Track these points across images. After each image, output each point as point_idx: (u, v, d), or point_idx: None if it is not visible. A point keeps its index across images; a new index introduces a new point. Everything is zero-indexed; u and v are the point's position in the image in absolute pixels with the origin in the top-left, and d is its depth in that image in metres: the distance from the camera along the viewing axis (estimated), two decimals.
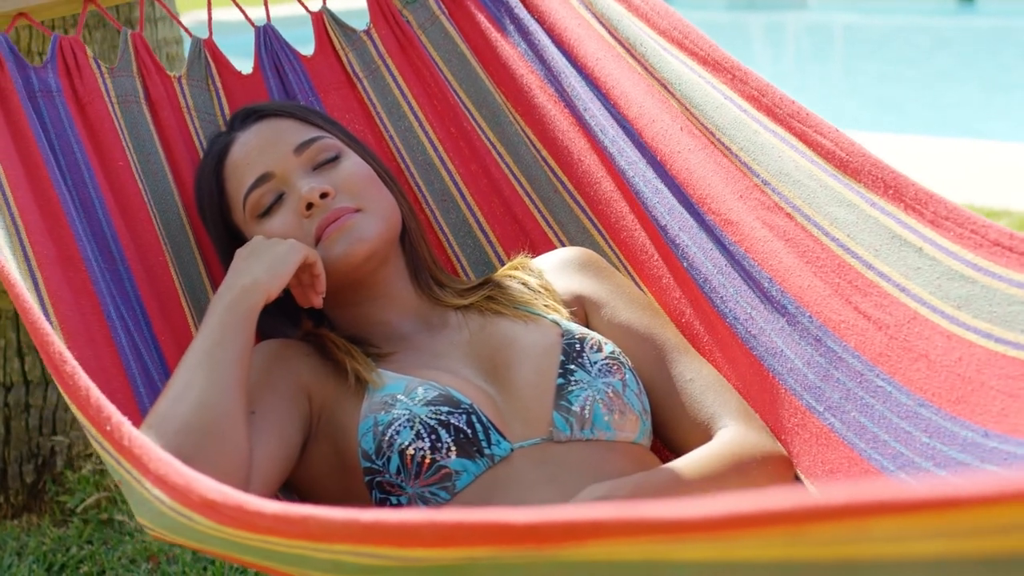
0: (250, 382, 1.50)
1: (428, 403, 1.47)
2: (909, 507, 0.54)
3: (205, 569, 2.42)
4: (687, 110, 1.68)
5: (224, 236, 1.74)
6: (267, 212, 1.66)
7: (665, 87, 1.72)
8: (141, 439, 1.06)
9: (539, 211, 1.93)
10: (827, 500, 0.56)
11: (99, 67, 1.87)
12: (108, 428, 1.10)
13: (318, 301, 1.61)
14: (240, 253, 1.55)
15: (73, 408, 1.22)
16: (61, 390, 1.24)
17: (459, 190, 1.98)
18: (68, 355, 1.20)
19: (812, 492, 0.59)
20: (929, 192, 1.39)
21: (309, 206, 1.62)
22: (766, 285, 1.55)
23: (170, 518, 1.06)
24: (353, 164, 1.69)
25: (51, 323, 1.49)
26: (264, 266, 1.51)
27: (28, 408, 2.72)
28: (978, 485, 0.52)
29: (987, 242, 1.31)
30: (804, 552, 0.62)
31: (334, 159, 1.68)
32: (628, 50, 1.79)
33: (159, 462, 1.01)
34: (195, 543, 1.15)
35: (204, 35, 2.01)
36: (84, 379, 1.17)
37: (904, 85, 10.80)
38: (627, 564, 0.70)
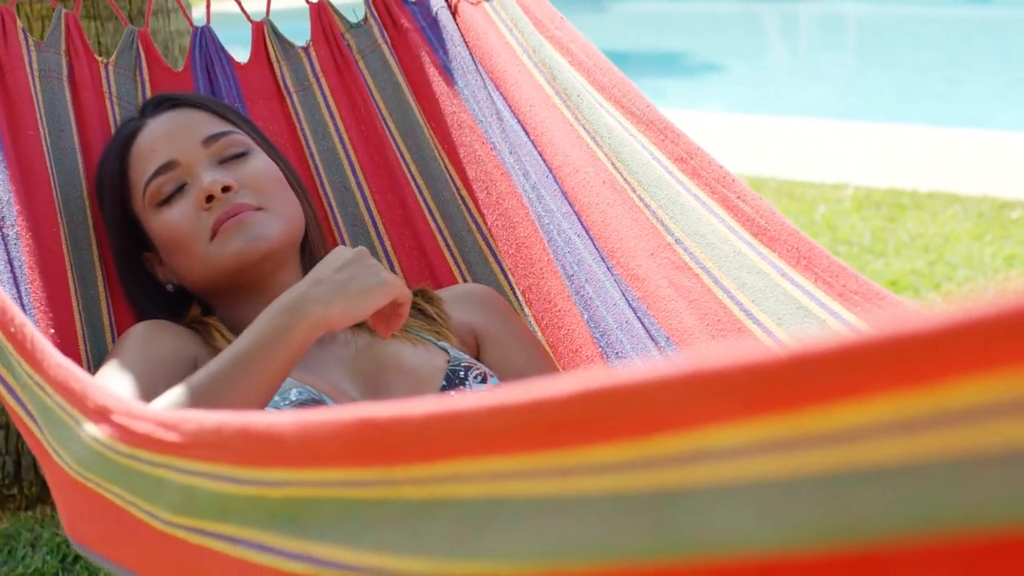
0: (144, 359, 1.45)
1: (298, 405, 1.40)
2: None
3: None
4: (613, 164, 1.68)
5: (120, 222, 1.69)
6: (166, 201, 1.61)
7: (594, 139, 1.71)
8: (44, 343, 1.04)
9: (448, 248, 1.90)
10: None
11: (27, 39, 1.83)
12: (12, 330, 1.08)
13: (387, 335, 1.47)
14: (332, 262, 1.38)
15: None
16: None
17: (372, 217, 1.93)
18: None
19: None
20: (842, 265, 1.40)
21: (209, 199, 1.57)
22: (663, 344, 1.53)
23: (68, 428, 1.03)
24: (261, 163, 1.65)
25: None
26: (345, 298, 1.34)
27: None
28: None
29: None
30: (639, 481, 0.57)
31: (242, 155, 1.64)
32: (564, 100, 1.78)
33: (59, 368, 1.01)
34: (79, 469, 1.07)
35: (218, 28, 2.00)
36: None
37: (917, 76, 10.63)
38: (468, 502, 0.66)
